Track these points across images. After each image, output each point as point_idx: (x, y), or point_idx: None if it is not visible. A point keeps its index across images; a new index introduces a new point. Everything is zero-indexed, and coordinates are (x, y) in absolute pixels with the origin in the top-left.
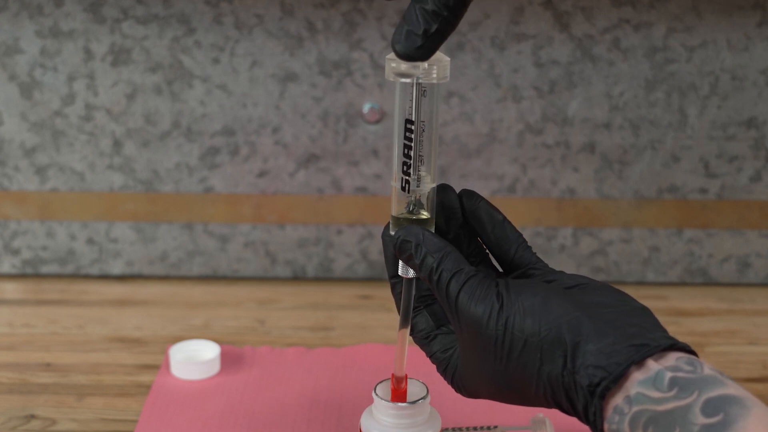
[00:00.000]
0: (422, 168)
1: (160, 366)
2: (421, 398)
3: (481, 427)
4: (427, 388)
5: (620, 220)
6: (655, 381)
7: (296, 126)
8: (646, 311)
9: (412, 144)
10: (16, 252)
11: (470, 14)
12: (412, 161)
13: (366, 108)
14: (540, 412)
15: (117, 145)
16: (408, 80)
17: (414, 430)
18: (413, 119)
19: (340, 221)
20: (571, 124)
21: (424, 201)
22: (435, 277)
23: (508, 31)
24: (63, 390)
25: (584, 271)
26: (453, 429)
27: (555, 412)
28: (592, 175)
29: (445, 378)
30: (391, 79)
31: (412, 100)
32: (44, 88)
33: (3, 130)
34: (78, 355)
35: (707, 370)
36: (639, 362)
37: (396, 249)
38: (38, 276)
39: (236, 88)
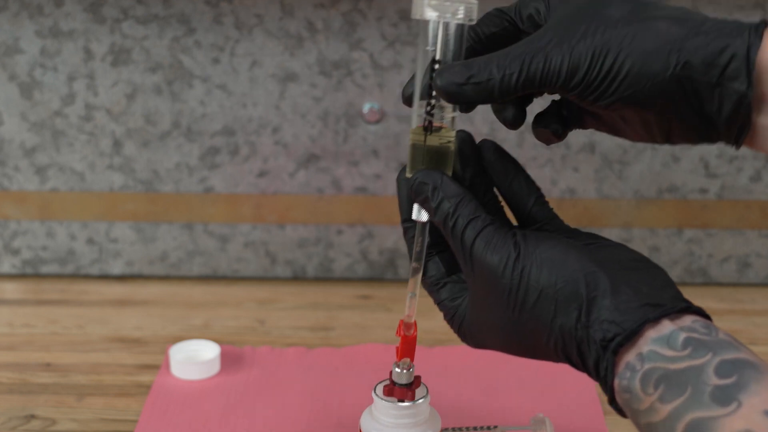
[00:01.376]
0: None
1: (160, 366)
2: (421, 398)
3: (481, 427)
4: (427, 388)
5: (620, 220)
6: (669, 340)
7: (296, 126)
8: (663, 273)
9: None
10: (16, 252)
11: None
12: (435, 101)
13: (366, 108)
14: (540, 412)
15: (117, 145)
16: (435, 16)
17: (414, 430)
18: (438, 58)
19: (340, 221)
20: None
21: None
22: (450, 223)
23: None
24: (63, 390)
25: None
26: (453, 429)
27: (555, 413)
28: (592, 175)
29: (451, 326)
30: (418, 17)
31: (438, 39)
32: (44, 88)
33: (3, 130)
34: (78, 355)
35: (722, 335)
36: (654, 321)
37: (412, 190)
38: (38, 276)
39: (236, 88)
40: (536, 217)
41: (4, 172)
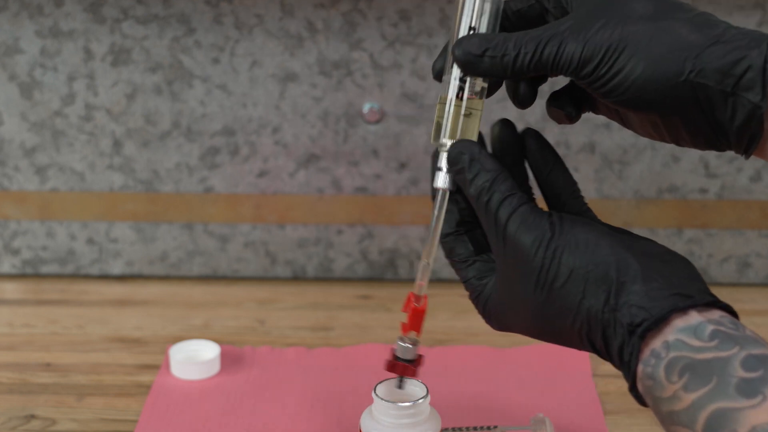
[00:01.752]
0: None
1: (160, 366)
2: (421, 398)
3: (481, 427)
4: (427, 388)
5: (620, 220)
6: (696, 330)
7: (296, 126)
8: (693, 267)
9: None
10: (16, 252)
11: None
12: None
13: (366, 108)
14: (540, 412)
15: (117, 145)
16: None
17: (414, 430)
18: (473, 25)
19: (340, 221)
20: (571, 124)
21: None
22: (485, 198)
23: None
24: (63, 390)
25: None
26: (453, 429)
27: (555, 413)
28: (592, 175)
29: (476, 306)
30: None
31: (474, 9)
32: (44, 88)
33: (3, 130)
34: (78, 355)
35: (749, 332)
36: (682, 310)
37: (449, 160)
38: (38, 276)
39: (236, 88)
40: (570, 209)
41: (4, 172)
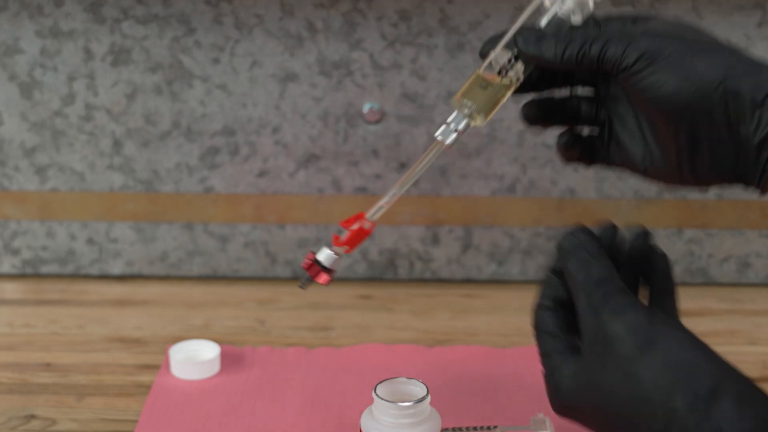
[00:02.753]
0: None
1: (160, 366)
2: (421, 398)
3: (481, 427)
4: (427, 388)
5: (620, 220)
6: None
7: (296, 126)
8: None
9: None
10: (16, 252)
11: (470, 14)
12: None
13: (366, 108)
14: (540, 413)
15: (117, 145)
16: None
17: (414, 430)
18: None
19: (340, 221)
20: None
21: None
22: (589, 291)
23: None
24: (63, 390)
25: None
26: (453, 429)
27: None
28: (592, 175)
29: (547, 383)
30: None
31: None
32: (44, 88)
33: (3, 130)
34: (78, 355)
35: None
36: None
37: (561, 247)
38: (38, 276)
39: (236, 88)
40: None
41: (4, 172)
